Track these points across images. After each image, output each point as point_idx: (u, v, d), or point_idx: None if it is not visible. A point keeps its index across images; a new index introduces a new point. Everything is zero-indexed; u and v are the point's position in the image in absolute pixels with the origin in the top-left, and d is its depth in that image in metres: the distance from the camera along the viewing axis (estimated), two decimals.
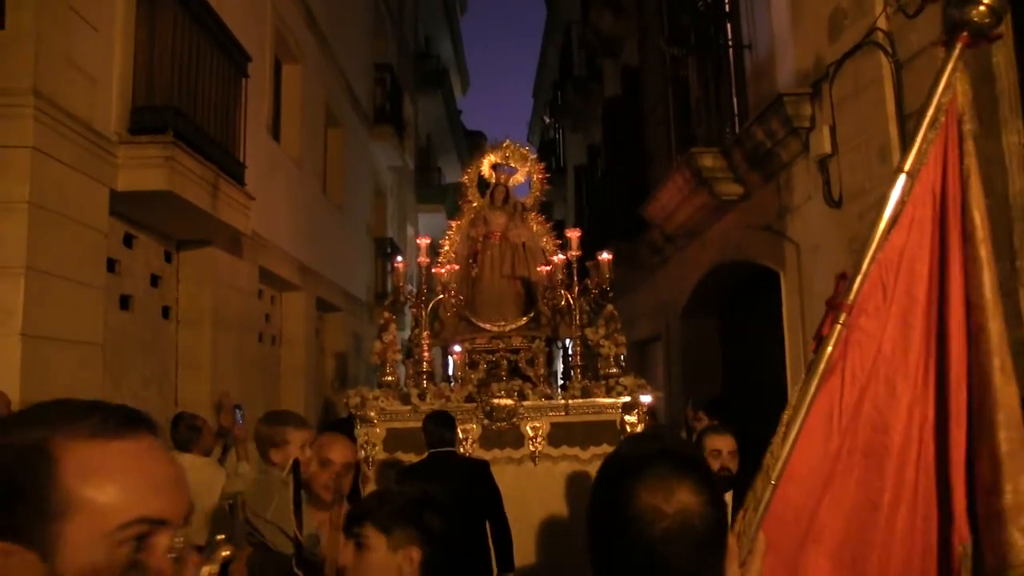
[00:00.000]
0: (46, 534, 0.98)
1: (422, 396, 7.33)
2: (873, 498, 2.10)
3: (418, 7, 26.43)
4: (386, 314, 8.06)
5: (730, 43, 9.03)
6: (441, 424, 6.01)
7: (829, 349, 2.12)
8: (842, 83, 6.40)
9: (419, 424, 6.72)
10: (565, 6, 22.87)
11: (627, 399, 7.26)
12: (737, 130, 8.49)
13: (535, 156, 9.15)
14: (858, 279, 2.15)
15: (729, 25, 9.15)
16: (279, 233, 10.76)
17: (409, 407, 7.27)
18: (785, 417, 2.08)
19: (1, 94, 5.27)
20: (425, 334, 7.89)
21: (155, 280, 8.00)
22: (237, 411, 7.36)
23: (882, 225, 2.17)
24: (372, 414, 7.25)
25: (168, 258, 8.28)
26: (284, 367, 11.57)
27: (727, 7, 9.28)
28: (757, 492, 2.01)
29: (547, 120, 29.03)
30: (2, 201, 5.22)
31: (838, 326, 2.13)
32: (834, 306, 2.16)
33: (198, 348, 8.39)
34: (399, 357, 7.84)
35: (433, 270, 8.13)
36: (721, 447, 4.78)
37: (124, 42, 6.79)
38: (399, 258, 8.56)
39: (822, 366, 2.11)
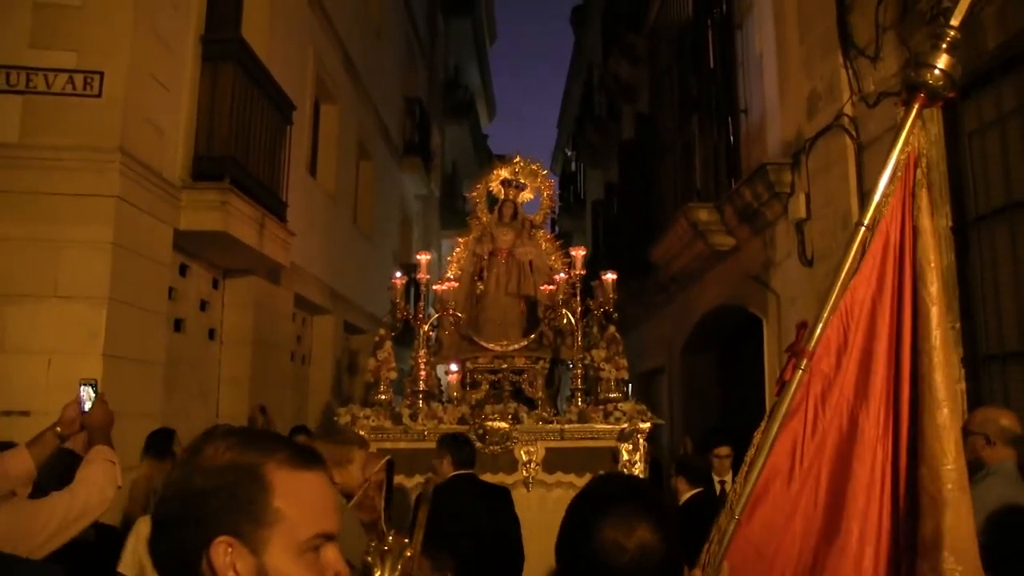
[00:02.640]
0: (258, 537, 1.26)
1: (414, 416, 7.12)
2: (842, 544, 2.16)
3: (449, 38, 27.51)
4: (381, 331, 7.82)
5: (730, 107, 9.90)
6: (461, 446, 5.70)
7: (791, 393, 2.23)
8: (816, 157, 7.29)
9: (411, 444, 6.84)
10: (589, 47, 23.86)
11: (624, 426, 6.96)
12: (733, 187, 9.38)
13: (545, 172, 8.87)
14: (819, 327, 2.26)
15: (729, 90, 10.03)
16: (313, 262, 11.72)
17: (401, 427, 7.06)
18: (748, 456, 2.20)
19: (95, 151, 6.27)
20: (422, 352, 7.61)
21: (203, 305, 8.96)
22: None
23: (842, 275, 2.28)
24: (362, 433, 6.78)
25: (215, 285, 9.25)
26: (312, 385, 12.49)
27: (721, 70, 10.15)
28: (721, 526, 2.13)
29: (569, 153, 29.94)
30: (92, 241, 6.20)
31: (799, 371, 2.24)
32: (795, 352, 2.28)
33: (238, 366, 9.34)
34: (393, 375, 7.56)
35: (433, 287, 7.89)
36: None
37: (189, 97, 7.78)
38: (398, 274, 8.10)
39: (784, 408, 2.22)
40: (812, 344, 2.25)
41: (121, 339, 6.40)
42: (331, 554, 1.33)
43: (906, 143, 2.30)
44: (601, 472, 6.55)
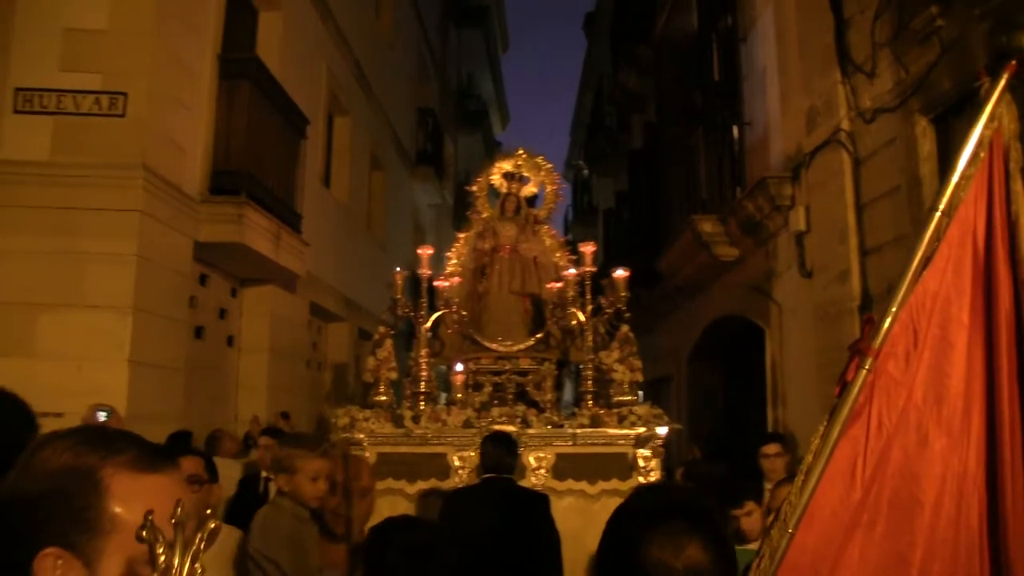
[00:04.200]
0: (91, 547, 1.13)
1: (416, 419, 6.67)
2: (903, 552, 1.98)
3: (461, 48, 27.80)
4: (381, 328, 7.36)
5: (734, 119, 10.11)
6: (501, 447, 5.25)
7: (853, 395, 2.02)
8: (815, 171, 7.51)
9: (413, 449, 6.51)
10: (599, 57, 24.10)
11: (641, 430, 6.52)
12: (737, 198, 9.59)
13: (550, 166, 8.37)
14: (886, 322, 2.02)
15: (733, 102, 10.24)
16: (327, 271, 11.99)
17: (402, 430, 6.61)
18: (805, 464, 2.02)
19: (119, 168, 6.58)
20: (423, 352, 7.18)
21: (222, 313, 9.26)
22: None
23: (913, 266, 2.04)
24: (361, 436, 6.52)
25: (233, 293, 9.55)
26: (327, 391, 12.76)
27: (725, 82, 10.38)
28: (773, 541, 1.95)
29: (580, 162, 30.19)
30: (118, 254, 6.51)
31: (863, 371, 2.02)
32: (859, 350, 2.05)
33: (255, 373, 9.63)
34: (394, 375, 7.12)
35: (435, 283, 7.40)
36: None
37: (207, 115, 8.07)
38: (398, 268, 7.65)
39: (845, 412, 2.01)
40: (878, 342, 2.02)
41: (144, 346, 6.69)
42: None
43: (991, 118, 2.01)
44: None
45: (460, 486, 5.97)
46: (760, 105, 9.42)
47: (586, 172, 28.72)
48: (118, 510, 1.15)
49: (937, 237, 2.03)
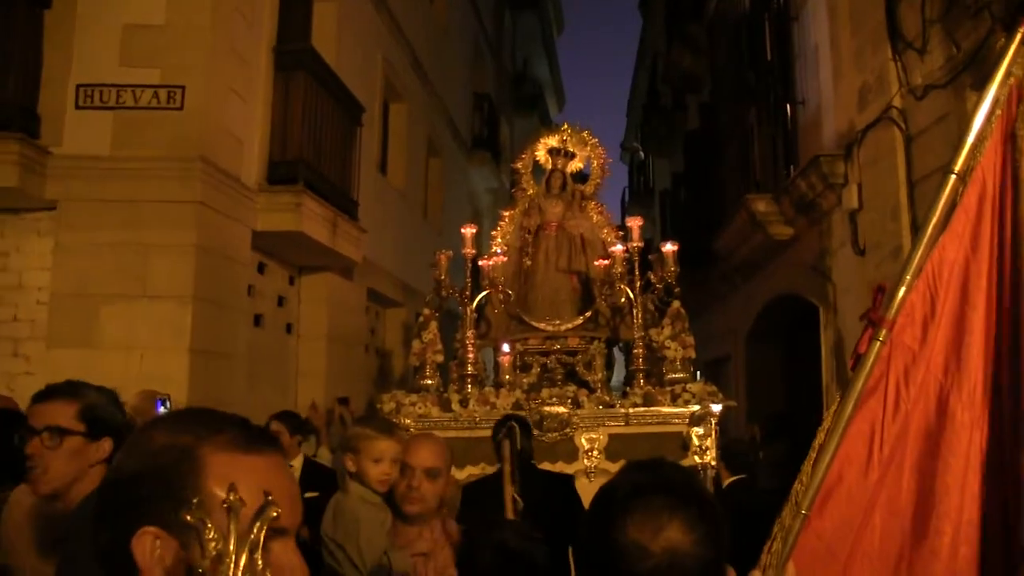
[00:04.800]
0: (186, 528, 1.06)
1: (464, 402, 6.52)
2: (931, 539, 1.87)
3: (516, 32, 27.80)
4: (426, 311, 7.25)
5: (787, 98, 10.01)
6: (496, 432, 4.92)
7: (867, 368, 1.90)
8: (867, 149, 7.43)
9: (461, 433, 6.30)
10: (654, 37, 23.93)
11: (695, 408, 6.38)
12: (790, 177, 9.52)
13: (596, 140, 8.15)
14: (900, 291, 1.92)
15: (786, 81, 10.14)
16: (385, 257, 12.16)
17: (450, 414, 6.48)
18: (817, 442, 1.91)
19: (178, 161, 6.79)
20: (470, 333, 7.01)
21: (281, 300, 9.47)
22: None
23: (928, 231, 1.94)
24: (408, 421, 6.36)
25: (292, 281, 9.75)
26: (387, 376, 12.95)
27: (778, 61, 10.27)
28: (785, 522, 1.84)
29: (636, 144, 30.03)
30: (177, 245, 6.72)
31: (877, 343, 1.91)
32: (872, 321, 1.93)
33: (315, 359, 9.84)
34: (440, 358, 7.03)
35: (480, 262, 7.26)
36: None
37: (264, 106, 8.25)
38: (443, 249, 7.62)
39: (859, 386, 1.89)
40: (892, 312, 1.90)
41: (205, 335, 6.90)
42: (280, 549, 1.15)
43: (1007, 74, 1.90)
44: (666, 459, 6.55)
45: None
46: (813, 84, 9.32)
47: (642, 154, 28.55)
48: (215, 489, 1.11)
49: (953, 201, 1.94)
